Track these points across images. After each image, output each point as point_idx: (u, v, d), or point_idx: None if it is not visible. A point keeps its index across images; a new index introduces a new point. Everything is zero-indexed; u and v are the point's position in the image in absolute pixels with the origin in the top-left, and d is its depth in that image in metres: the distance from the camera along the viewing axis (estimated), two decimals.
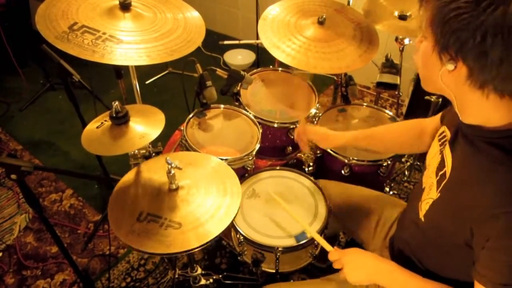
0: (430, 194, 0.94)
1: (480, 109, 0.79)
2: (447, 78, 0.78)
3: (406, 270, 0.97)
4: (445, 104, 1.59)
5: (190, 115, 1.64)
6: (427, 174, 1.01)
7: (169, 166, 1.09)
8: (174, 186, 1.14)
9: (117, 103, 1.24)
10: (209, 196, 1.15)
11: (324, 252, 1.42)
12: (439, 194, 0.90)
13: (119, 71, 1.73)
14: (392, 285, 0.99)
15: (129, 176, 1.23)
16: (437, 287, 0.92)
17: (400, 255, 1.11)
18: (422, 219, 0.95)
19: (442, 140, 0.97)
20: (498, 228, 0.74)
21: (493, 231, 0.75)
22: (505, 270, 0.75)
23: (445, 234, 0.89)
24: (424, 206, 0.95)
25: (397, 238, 1.17)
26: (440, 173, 0.92)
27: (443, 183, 0.89)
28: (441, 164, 0.92)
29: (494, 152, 0.78)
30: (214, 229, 1.05)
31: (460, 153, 0.87)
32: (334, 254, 1.08)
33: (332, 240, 1.89)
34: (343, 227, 1.47)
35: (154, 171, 1.23)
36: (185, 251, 1.01)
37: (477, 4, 0.67)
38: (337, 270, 1.09)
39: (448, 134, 0.95)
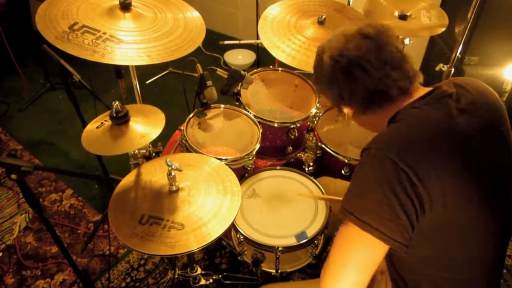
0: None
1: (380, 121, 0.98)
2: (354, 117, 1.06)
3: None
4: None
5: (190, 115, 1.63)
6: None
7: (170, 168, 1.09)
8: (174, 188, 1.14)
9: (117, 103, 1.24)
10: (210, 196, 1.15)
11: (319, 259, 1.43)
12: None
13: (120, 71, 1.73)
14: None
15: (128, 179, 1.23)
16: None
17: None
18: None
19: None
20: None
21: None
22: (345, 195, 0.86)
23: None
24: None
25: None
26: None
27: None
28: None
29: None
30: (217, 228, 1.06)
31: None
32: None
33: (330, 240, 1.88)
34: None
35: (153, 174, 1.23)
36: (191, 251, 1.01)
37: (315, 72, 1.04)
38: None
39: None
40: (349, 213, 0.82)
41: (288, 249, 1.30)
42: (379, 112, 0.96)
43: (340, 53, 0.93)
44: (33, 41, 2.16)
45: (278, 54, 1.61)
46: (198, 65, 1.64)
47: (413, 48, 2.13)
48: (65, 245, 1.63)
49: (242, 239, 1.35)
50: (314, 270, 1.71)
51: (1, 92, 2.94)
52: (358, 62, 0.92)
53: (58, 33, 1.21)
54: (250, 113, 1.68)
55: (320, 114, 1.74)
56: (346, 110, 1.03)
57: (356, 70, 0.92)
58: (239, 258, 1.43)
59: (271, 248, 1.30)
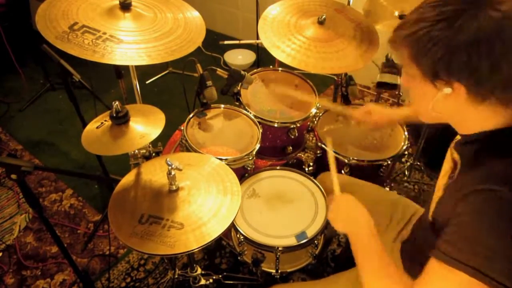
0: (437, 193, 0.95)
1: (480, 119, 0.81)
2: (445, 102, 0.81)
3: (382, 245, 0.95)
4: None
5: (190, 115, 1.63)
6: (440, 177, 1.01)
7: (169, 168, 1.09)
8: (174, 187, 1.14)
9: (117, 103, 1.24)
10: (210, 196, 1.15)
11: (319, 259, 1.41)
12: (443, 191, 0.91)
13: (120, 71, 1.73)
14: (358, 247, 0.96)
15: (128, 178, 1.23)
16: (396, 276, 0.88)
17: (412, 260, 1.09)
18: (430, 219, 0.95)
19: (454, 146, 0.98)
20: (470, 204, 0.74)
21: (465, 208, 0.75)
22: (460, 244, 0.73)
23: None
24: (432, 206, 0.95)
25: (410, 243, 1.14)
26: (451, 175, 0.93)
27: (450, 182, 0.91)
28: (453, 168, 0.93)
29: (485, 148, 0.81)
30: (217, 227, 1.06)
31: (466, 156, 0.89)
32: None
33: (330, 240, 1.88)
34: None
35: (153, 173, 1.23)
36: (190, 250, 1.01)
37: (450, 27, 0.71)
38: (337, 271, 1.07)
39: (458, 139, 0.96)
40: (470, 268, 0.69)
41: (288, 249, 1.30)
42: (492, 109, 0.78)
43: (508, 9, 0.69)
44: (33, 41, 2.16)
45: (278, 54, 1.61)
46: (198, 65, 1.64)
47: None
48: (65, 245, 1.63)
49: (242, 239, 1.35)
50: (314, 270, 1.72)
51: (1, 92, 2.95)
52: None
53: (58, 33, 1.21)
54: (250, 113, 1.68)
55: (320, 114, 1.74)
56: (447, 90, 0.77)
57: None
58: (239, 258, 1.43)
59: (271, 248, 1.30)
